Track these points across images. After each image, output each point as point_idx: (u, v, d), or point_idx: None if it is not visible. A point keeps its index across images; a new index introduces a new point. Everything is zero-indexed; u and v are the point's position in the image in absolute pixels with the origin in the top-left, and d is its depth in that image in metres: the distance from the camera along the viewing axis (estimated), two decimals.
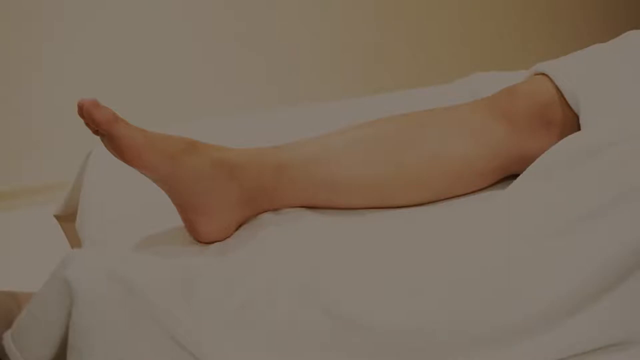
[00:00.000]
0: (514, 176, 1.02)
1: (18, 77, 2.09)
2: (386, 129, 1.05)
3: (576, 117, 1.04)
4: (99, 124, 0.93)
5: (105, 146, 0.96)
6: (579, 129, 1.03)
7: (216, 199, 0.97)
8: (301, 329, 0.83)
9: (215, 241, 0.99)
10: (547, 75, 1.07)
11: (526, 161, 1.00)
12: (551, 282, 0.84)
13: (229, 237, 0.99)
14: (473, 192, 1.07)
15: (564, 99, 1.05)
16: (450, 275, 0.85)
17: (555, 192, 0.91)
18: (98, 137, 0.95)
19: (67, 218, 1.27)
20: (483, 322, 0.83)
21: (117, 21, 2.15)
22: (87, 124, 0.93)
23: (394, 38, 2.48)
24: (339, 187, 1.02)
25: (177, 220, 1.01)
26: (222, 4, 2.29)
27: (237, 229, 1.00)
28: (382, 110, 1.12)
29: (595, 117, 1.02)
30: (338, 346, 0.82)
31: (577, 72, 1.06)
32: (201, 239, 0.99)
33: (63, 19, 2.10)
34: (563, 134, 1.03)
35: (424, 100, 1.24)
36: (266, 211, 1.02)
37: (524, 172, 0.97)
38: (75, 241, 1.27)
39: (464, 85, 1.38)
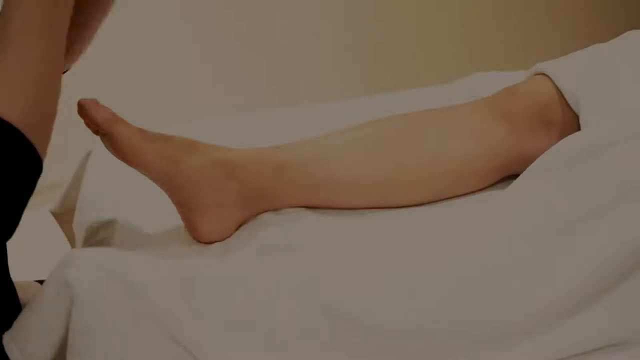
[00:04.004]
0: (514, 176, 1.02)
1: None
2: (386, 129, 1.05)
3: (576, 117, 1.04)
4: (99, 123, 0.93)
5: (105, 146, 0.96)
6: (579, 129, 1.03)
7: (216, 199, 0.97)
8: (301, 329, 0.83)
9: (215, 241, 0.99)
10: (547, 75, 1.07)
11: (526, 161, 1.00)
12: (551, 282, 0.84)
13: (229, 237, 0.99)
14: (473, 192, 1.07)
15: (564, 99, 1.05)
16: (450, 275, 0.85)
17: (555, 192, 0.91)
18: (98, 137, 0.95)
19: (65, 217, 1.27)
20: (483, 322, 0.83)
21: (116, 21, 2.14)
22: (87, 124, 0.93)
23: (394, 38, 2.48)
24: (339, 187, 1.02)
25: (177, 220, 1.01)
26: (222, 4, 2.29)
27: (237, 229, 1.00)
28: (382, 110, 1.12)
29: (595, 117, 1.02)
30: (338, 346, 0.82)
31: (577, 72, 1.06)
32: (201, 239, 0.99)
33: None
34: (563, 134, 1.03)
35: (424, 100, 1.24)
36: (266, 211, 1.02)
37: (524, 172, 0.97)
38: (74, 241, 1.27)
39: (464, 85, 1.38)
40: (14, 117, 0.72)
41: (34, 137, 0.74)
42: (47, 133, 0.78)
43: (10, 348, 0.78)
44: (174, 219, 1.01)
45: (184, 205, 0.98)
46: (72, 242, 1.31)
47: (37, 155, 0.74)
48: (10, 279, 0.89)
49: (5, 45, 0.75)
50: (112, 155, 0.96)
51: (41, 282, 1.15)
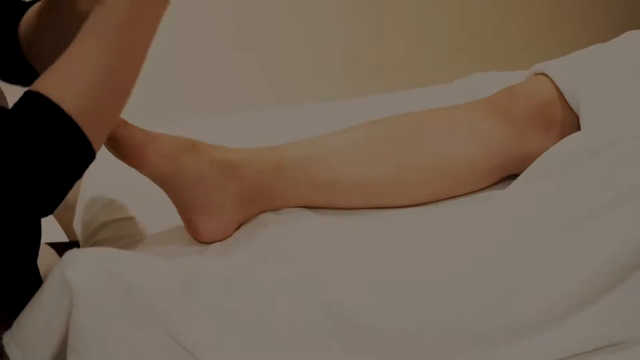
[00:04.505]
0: (514, 176, 1.02)
1: None
2: (386, 129, 1.05)
3: (576, 117, 1.04)
4: None
5: (105, 146, 0.96)
6: (579, 129, 1.03)
7: (216, 199, 0.97)
8: (301, 328, 0.83)
9: (215, 241, 0.99)
10: (547, 75, 1.07)
11: (526, 161, 1.00)
12: (551, 282, 0.84)
13: (229, 237, 0.99)
14: (473, 192, 1.07)
15: (564, 99, 1.05)
16: (450, 275, 0.85)
17: (556, 192, 0.91)
18: None
19: (65, 216, 1.27)
20: (483, 322, 0.83)
21: None
22: None
23: (394, 38, 2.47)
24: (339, 187, 1.02)
25: (177, 220, 1.01)
26: (222, 4, 2.29)
27: (237, 229, 1.00)
28: (382, 110, 1.12)
29: (595, 117, 1.02)
30: (338, 346, 0.82)
31: (577, 72, 1.06)
32: (201, 239, 0.99)
33: None
34: (563, 134, 1.03)
35: (424, 100, 1.24)
36: (266, 211, 1.02)
37: (524, 172, 0.97)
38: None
39: (464, 85, 1.38)
40: (73, 107, 0.76)
41: (89, 127, 0.77)
42: (106, 126, 0.81)
43: (10, 348, 0.78)
44: (174, 219, 1.01)
45: (184, 205, 0.98)
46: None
47: (89, 145, 0.77)
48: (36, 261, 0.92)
49: (82, 38, 0.79)
50: (112, 155, 0.96)
51: (52, 244, 1.17)
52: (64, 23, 0.90)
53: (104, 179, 1.16)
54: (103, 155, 1.05)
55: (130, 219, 1.06)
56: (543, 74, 1.08)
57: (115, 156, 0.95)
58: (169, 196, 0.98)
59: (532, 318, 0.83)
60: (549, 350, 0.83)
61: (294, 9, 2.37)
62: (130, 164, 0.95)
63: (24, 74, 0.98)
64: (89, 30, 0.79)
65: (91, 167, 1.20)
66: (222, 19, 2.30)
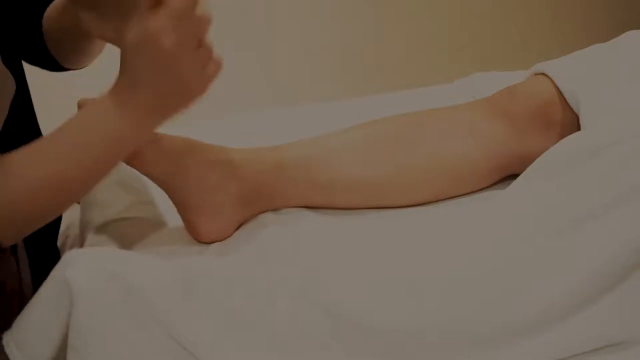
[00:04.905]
0: (514, 176, 1.02)
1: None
2: (386, 129, 1.05)
3: (576, 117, 1.04)
4: None
5: None
6: (579, 129, 1.03)
7: (216, 199, 0.97)
8: (301, 328, 0.83)
9: (215, 241, 0.99)
10: (547, 76, 1.07)
11: (526, 161, 1.00)
12: (551, 282, 0.84)
13: (229, 237, 0.99)
14: (473, 192, 1.07)
15: (564, 99, 1.05)
16: (450, 275, 0.85)
17: (556, 192, 0.91)
18: None
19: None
20: (483, 322, 0.83)
21: None
22: None
23: (394, 38, 2.48)
24: (339, 187, 1.02)
25: (177, 220, 1.01)
26: (222, 4, 2.29)
27: (237, 229, 1.00)
28: (382, 110, 1.12)
29: (595, 117, 1.02)
30: (338, 346, 0.82)
31: (577, 72, 1.06)
32: (201, 239, 0.99)
33: None
34: (563, 134, 1.03)
35: (424, 100, 1.24)
36: (266, 211, 1.02)
37: (524, 172, 0.97)
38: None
39: (464, 85, 1.38)
40: None
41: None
42: (19, 235, 0.82)
43: (10, 348, 0.78)
44: (174, 219, 1.01)
45: (184, 205, 0.98)
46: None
47: None
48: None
49: (39, 152, 0.80)
50: None
51: None
52: (82, 22, 0.91)
53: (103, 179, 1.16)
54: None
55: (130, 219, 1.05)
56: (543, 74, 1.08)
57: None
58: (169, 196, 0.98)
59: (532, 318, 0.83)
60: (549, 350, 0.83)
61: (294, 9, 2.37)
62: (130, 164, 0.95)
63: (46, 59, 0.99)
64: (48, 148, 0.79)
65: None
66: (222, 19, 2.30)
